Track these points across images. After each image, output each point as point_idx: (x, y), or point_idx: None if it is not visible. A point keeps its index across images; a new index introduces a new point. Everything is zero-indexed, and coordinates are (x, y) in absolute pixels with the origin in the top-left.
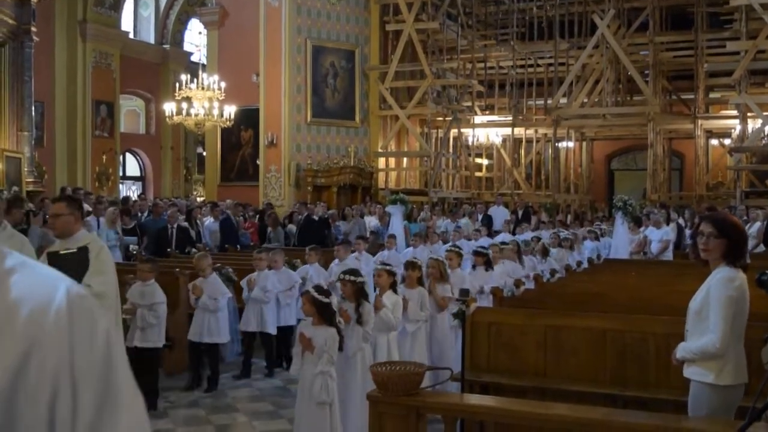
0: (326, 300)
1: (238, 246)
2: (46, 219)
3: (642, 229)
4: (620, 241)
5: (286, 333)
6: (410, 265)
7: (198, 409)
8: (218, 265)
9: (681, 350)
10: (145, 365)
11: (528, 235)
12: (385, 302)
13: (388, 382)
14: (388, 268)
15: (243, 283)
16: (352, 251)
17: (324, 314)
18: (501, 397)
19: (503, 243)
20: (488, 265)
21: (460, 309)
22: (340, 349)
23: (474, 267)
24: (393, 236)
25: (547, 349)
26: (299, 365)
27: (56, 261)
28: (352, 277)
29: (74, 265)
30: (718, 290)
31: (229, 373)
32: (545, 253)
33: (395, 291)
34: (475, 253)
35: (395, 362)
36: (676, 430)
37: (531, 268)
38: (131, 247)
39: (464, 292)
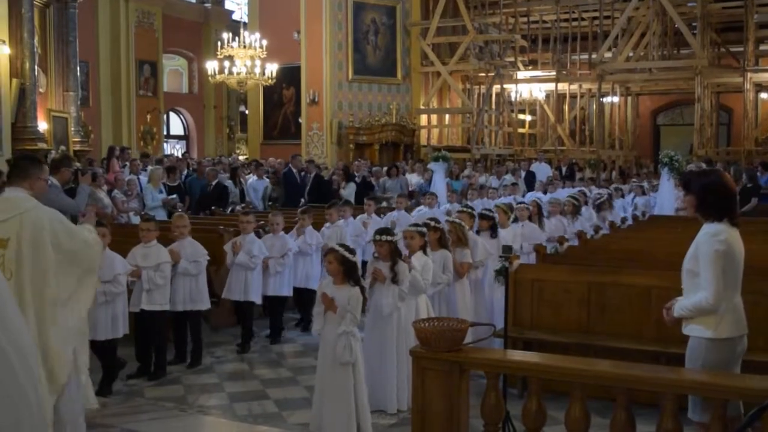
0: (354, 258)
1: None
2: (95, 177)
3: None
4: (666, 197)
5: (273, 303)
6: (426, 226)
7: (243, 363)
8: (261, 222)
9: (678, 308)
10: (153, 329)
11: (560, 193)
12: (415, 264)
13: (431, 337)
14: (419, 229)
15: (227, 247)
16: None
17: (349, 273)
18: (544, 353)
19: (520, 202)
20: (493, 230)
21: (503, 266)
22: (364, 310)
23: (478, 232)
24: (433, 194)
25: (591, 306)
26: (321, 325)
27: None
28: (388, 237)
29: None
30: (704, 246)
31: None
32: (575, 212)
33: (425, 253)
34: (480, 216)
35: (438, 318)
36: (724, 387)
37: (560, 229)
38: (178, 205)
39: (507, 249)
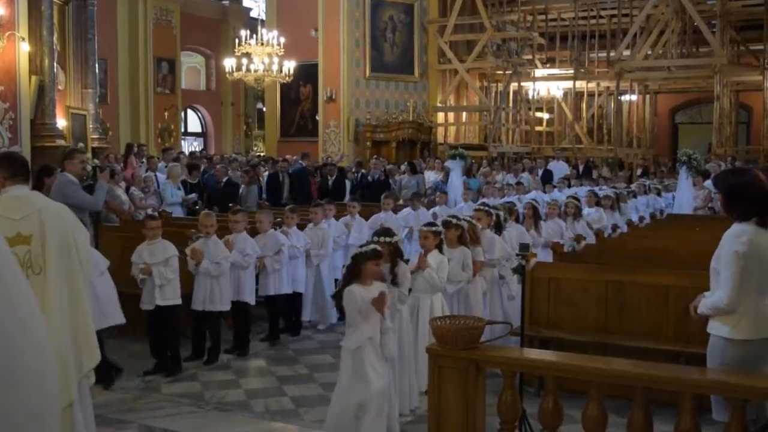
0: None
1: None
2: (113, 174)
3: (706, 182)
4: (684, 196)
5: (275, 302)
6: (446, 224)
7: (260, 360)
8: (278, 219)
9: (701, 306)
10: (167, 324)
11: (559, 194)
12: (431, 262)
13: (448, 335)
14: (434, 229)
15: None
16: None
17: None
18: (561, 352)
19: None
20: (497, 228)
21: (519, 264)
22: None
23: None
24: (444, 192)
25: (608, 305)
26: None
27: None
28: (388, 238)
29: None
30: (726, 246)
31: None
32: (577, 214)
33: (441, 251)
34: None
35: (455, 316)
36: (743, 387)
37: (557, 232)
38: (198, 203)
39: (524, 247)
